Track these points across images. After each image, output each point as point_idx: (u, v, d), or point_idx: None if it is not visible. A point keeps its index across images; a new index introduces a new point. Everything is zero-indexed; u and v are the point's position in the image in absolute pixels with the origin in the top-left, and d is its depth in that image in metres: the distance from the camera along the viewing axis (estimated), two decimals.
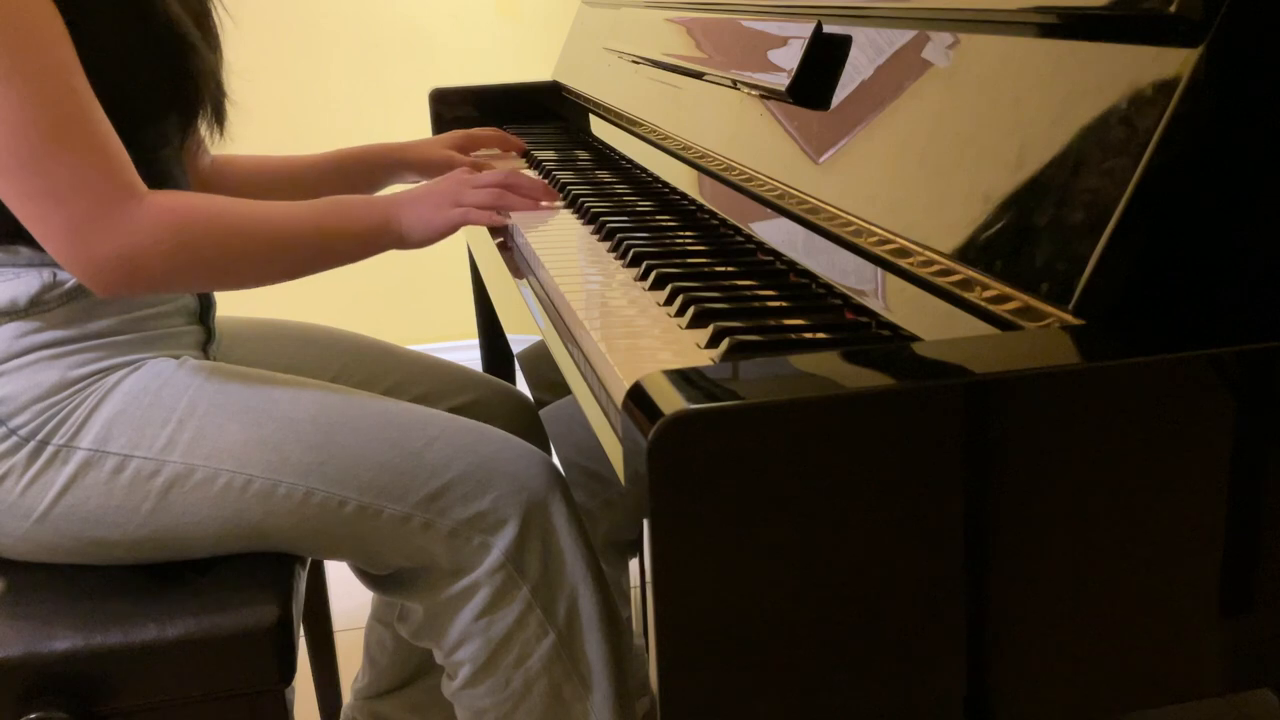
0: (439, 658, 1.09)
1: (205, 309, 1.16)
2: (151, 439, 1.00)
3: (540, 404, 1.30)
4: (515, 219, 1.28)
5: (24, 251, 1.02)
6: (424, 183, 1.18)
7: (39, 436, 0.99)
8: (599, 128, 1.70)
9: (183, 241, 0.98)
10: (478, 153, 1.58)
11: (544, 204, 1.30)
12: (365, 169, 1.41)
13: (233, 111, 1.16)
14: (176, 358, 1.07)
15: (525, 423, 1.34)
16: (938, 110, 0.82)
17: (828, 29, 1.01)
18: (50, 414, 1.00)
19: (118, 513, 1.00)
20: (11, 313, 1.01)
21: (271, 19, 2.68)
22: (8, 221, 0.99)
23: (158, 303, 1.09)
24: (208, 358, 1.14)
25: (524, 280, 1.16)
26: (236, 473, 1.00)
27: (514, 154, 1.65)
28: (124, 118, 0.98)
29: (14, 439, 0.99)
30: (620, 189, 1.40)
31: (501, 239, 1.32)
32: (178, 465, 1.00)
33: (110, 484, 1.00)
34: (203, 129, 1.14)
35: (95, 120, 0.95)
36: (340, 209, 1.08)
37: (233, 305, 1.26)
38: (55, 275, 1.02)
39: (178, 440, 1.00)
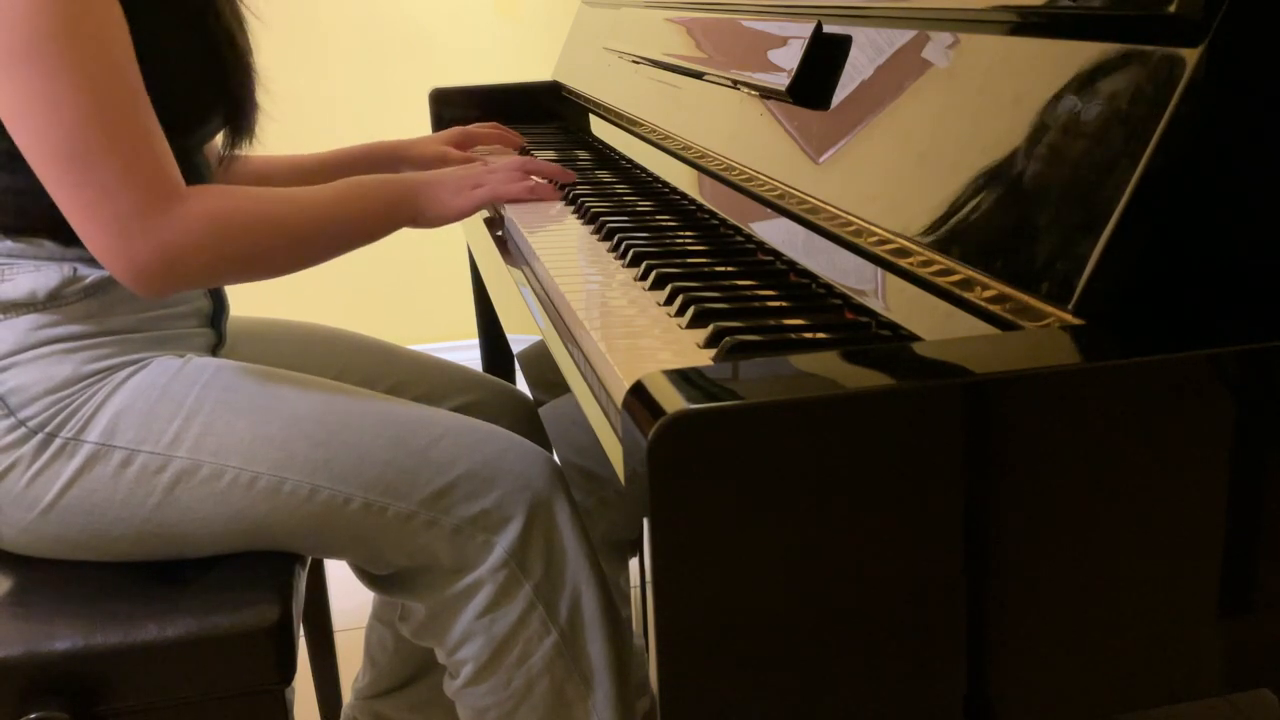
0: (441, 657, 1.09)
1: (218, 313, 1.17)
2: (159, 434, 1.01)
3: (540, 404, 1.30)
4: (515, 218, 1.28)
5: (48, 245, 1.03)
6: (444, 168, 1.21)
7: (47, 429, 1.00)
8: (599, 128, 1.70)
9: (221, 240, 0.99)
10: (476, 149, 1.58)
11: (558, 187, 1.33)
12: (367, 167, 1.43)
13: (262, 118, 1.17)
14: (182, 356, 1.07)
15: (526, 423, 1.34)
16: (938, 110, 0.82)
17: (828, 29, 1.01)
18: (59, 407, 1.00)
19: (123, 507, 1.01)
20: (30, 305, 1.01)
21: (271, 18, 2.68)
22: (35, 215, 1.00)
23: (174, 304, 1.09)
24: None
25: (524, 280, 1.16)
26: (242, 469, 1.01)
27: (512, 150, 1.65)
28: (170, 120, 0.99)
29: (22, 430, 0.99)
30: (620, 189, 1.40)
31: (500, 234, 1.32)
32: (184, 461, 1.00)
33: (116, 478, 1.00)
34: (240, 136, 1.16)
35: (148, 119, 0.97)
36: (361, 190, 1.10)
37: (235, 304, 1.26)
38: (76, 270, 1.02)
39: (184, 436, 1.01)
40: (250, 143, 1.17)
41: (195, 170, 1.10)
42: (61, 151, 0.93)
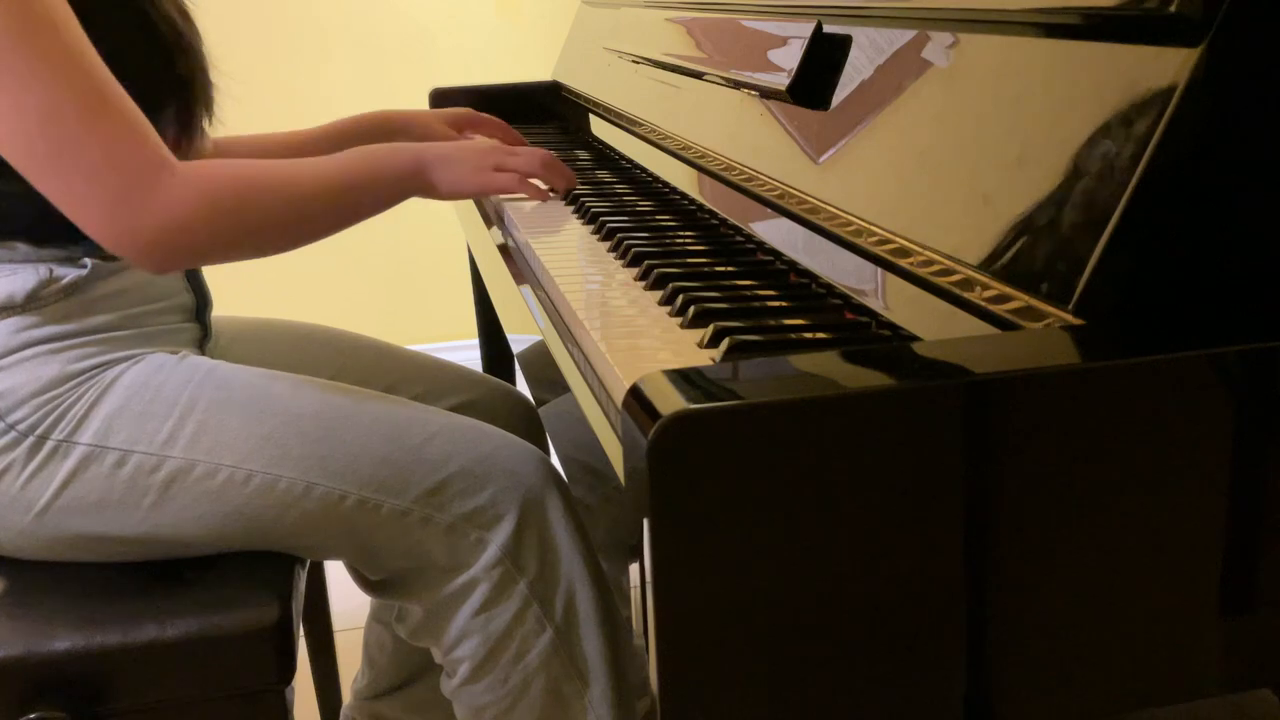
0: (438, 656, 1.09)
1: (201, 306, 1.16)
2: (152, 434, 1.00)
3: (540, 403, 1.30)
4: (515, 219, 1.28)
5: (21, 248, 1.03)
6: (459, 141, 1.18)
7: (38, 431, 0.99)
8: (599, 128, 1.70)
9: (221, 208, 0.98)
10: (476, 137, 1.55)
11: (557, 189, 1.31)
12: (367, 139, 1.40)
13: (220, 98, 1.15)
14: (176, 353, 1.07)
15: (525, 422, 1.34)
16: (938, 110, 0.82)
17: (828, 29, 1.01)
18: (49, 408, 1.00)
19: (118, 508, 1.00)
20: (9, 308, 1.01)
21: (272, 18, 2.68)
22: (6, 218, 1.00)
23: (155, 299, 1.09)
24: (205, 355, 1.14)
25: (524, 280, 1.16)
26: (237, 468, 1.01)
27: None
28: None
29: (13, 434, 0.99)
30: (620, 189, 1.40)
31: (500, 233, 1.32)
32: (179, 460, 1.00)
33: (111, 478, 1.00)
34: (196, 123, 1.14)
35: (120, 97, 0.95)
36: (368, 159, 1.09)
37: (230, 304, 1.26)
38: (52, 271, 1.02)
39: (179, 435, 1.01)
40: (209, 123, 1.15)
41: None
42: (39, 145, 0.92)
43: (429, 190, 1.11)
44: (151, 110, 1.05)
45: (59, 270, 1.03)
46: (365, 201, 1.08)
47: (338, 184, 1.06)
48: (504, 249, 1.28)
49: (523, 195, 1.22)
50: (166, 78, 1.07)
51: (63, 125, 0.92)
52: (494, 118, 1.60)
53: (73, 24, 0.94)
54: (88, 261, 1.03)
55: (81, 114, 0.92)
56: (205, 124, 1.15)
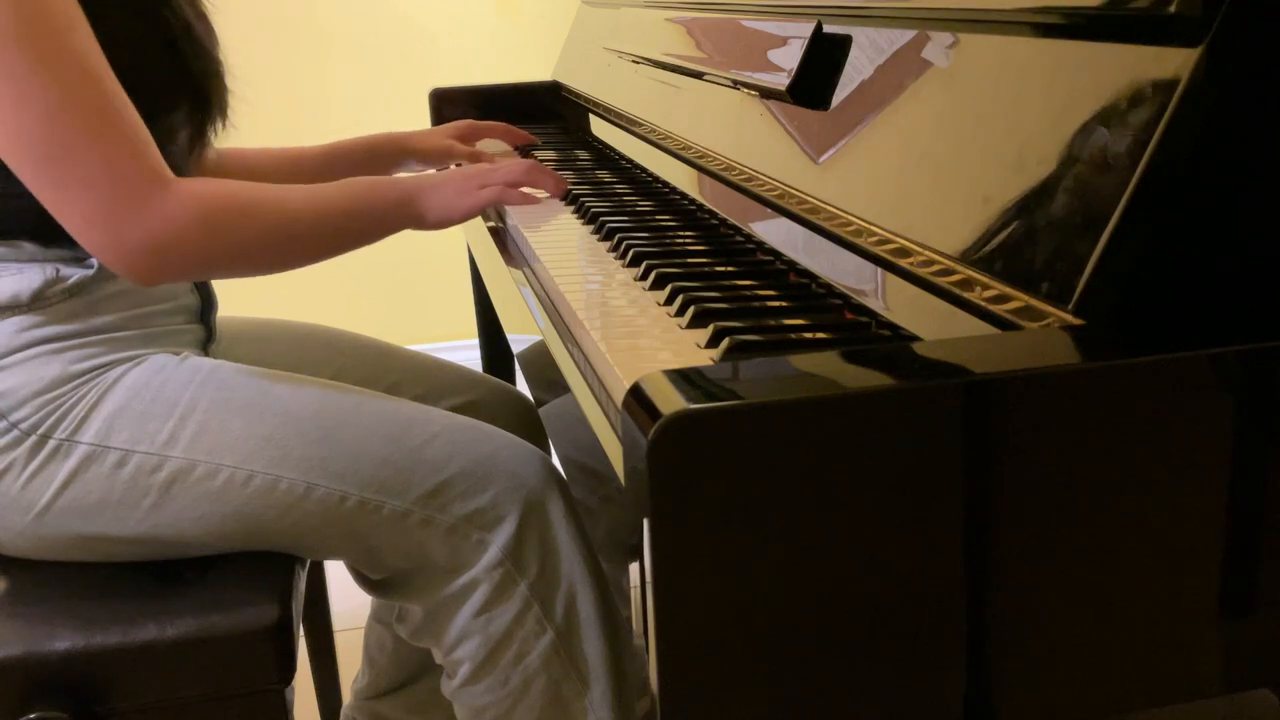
0: (438, 657, 1.09)
1: (206, 308, 1.16)
2: (153, 434, 1.00)
3: (540, 404, 1.30)
4: (515, 219, 1.28)
5: (27, 247, 1.03)
6: (448, 169, 1.19)
7: (40, 430, 1.00)
8: (599, 128, 1.70)
9: (212, 228, 0.98)
10: (480, 143, 1.57)
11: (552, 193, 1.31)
12: (368, 159, 1.42)
13: (234, 102, 1.16)
14: (178, 354, 1.07)
15: (525, 423, 1.34)
16: (938, 110, 0.82)
17: (828, 29, 1.01)
18: (51, 408, 1.00)
19: (119, 508, 1.01)
20: (14, 307, 1.01)
21: (271, 18, 2.68)
22: (13, 218, 1.00)
23: (160, 300, 1.09)
24: (207, 356, 1.14)
25: (524, 280, 1.16)
26: (238, 468, 1.01)
27: (512, 147, 1.64)
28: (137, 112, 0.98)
29: (15, 433, 0.99)
30: (620, 189, 1.40)
31: (500, 234, 1.32)
32: (179, 460, 1.00)
33: (112, 478, 1.00)
34: (209, 126, 1.15)
35: (123, 106, 0.96)
36: (361, 188, 1.10)
37: (232, 305, 1.26)
38: (59, 271, 1.02)
39: (180, 436, 1.01)
40: (224, 127, 1.16)
41: (172, 167, 1.09)
42: (37, 150, 0.93)
43: (419, 220, 1.12)
44: (162, 111, 1.05)
45: (65, 270, 1.03)
46: (355, 230, 1.09)
47: (329, 212, 1.06)
48: (504, 249, 1.28)
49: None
50: (178, 78, 1.08)
51: (61, 132, 0.92)
52: (496, 122, 1.60)
53: (80, 28, 0.94)
54: (94, 262, 1.04)
55: (80, 121, 0.92)
56: (219, 129, 1.15)
